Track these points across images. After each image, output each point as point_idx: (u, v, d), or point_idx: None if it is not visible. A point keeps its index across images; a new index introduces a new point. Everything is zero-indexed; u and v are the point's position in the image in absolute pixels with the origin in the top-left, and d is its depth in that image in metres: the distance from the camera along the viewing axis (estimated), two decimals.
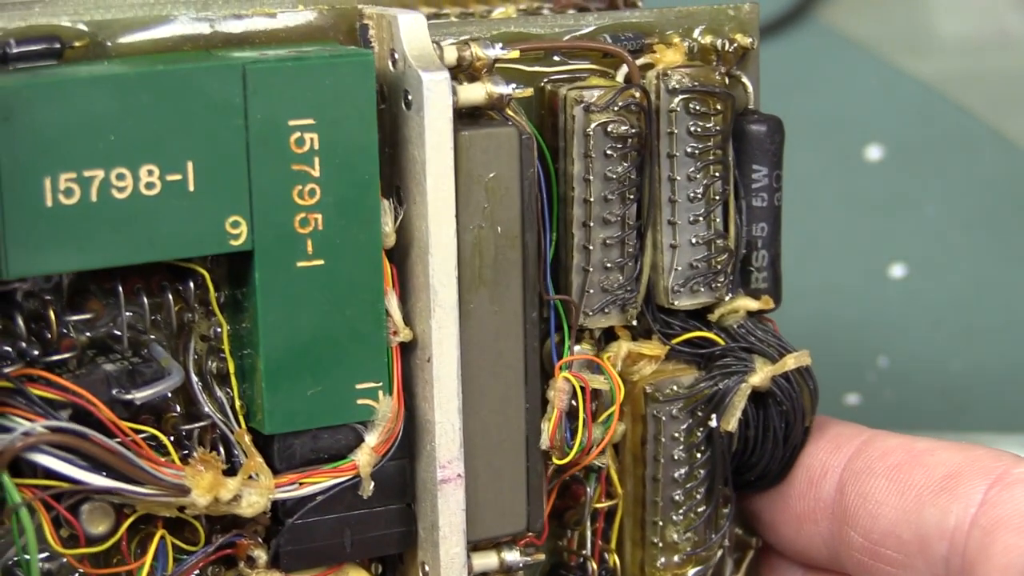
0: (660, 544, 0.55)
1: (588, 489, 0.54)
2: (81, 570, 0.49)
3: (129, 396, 0.48)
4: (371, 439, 0.50)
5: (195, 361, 0.49)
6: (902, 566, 0.52)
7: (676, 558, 0.55)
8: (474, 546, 0.52)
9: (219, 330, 0.49)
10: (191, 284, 0.49)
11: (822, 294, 0.73)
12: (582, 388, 0.52)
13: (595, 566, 0.55)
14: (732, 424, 0.54)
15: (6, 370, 0.46)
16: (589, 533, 0.55)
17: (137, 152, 0.46)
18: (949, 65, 0.80)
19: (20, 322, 0.47)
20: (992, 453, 0.52)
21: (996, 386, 0.71)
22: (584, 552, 0.55)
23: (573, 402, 0.52)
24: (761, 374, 0.54)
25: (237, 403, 0.50)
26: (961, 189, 0.70)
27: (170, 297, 0.49)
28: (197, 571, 0.50)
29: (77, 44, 0.47)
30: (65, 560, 0.49)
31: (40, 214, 0.45)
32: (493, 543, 0.53)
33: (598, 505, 0.55)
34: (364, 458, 0.50)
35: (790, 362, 0.54)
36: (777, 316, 0.56)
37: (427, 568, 0.51)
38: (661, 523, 0.55)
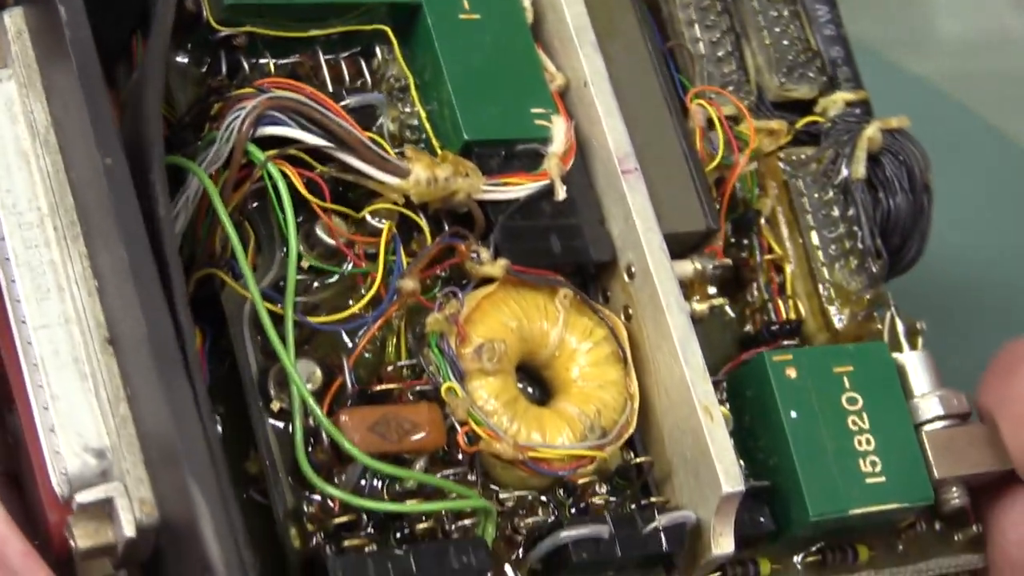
0: (831, 287, 0.60)
1: (754, 247, 0.60)
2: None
3: (345, 101, 0.55)
4: (555, 148, 0.57)
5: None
6: None
7: (849, 301, 0.60)
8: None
9: (407, 85, 0.57)
10: (377, 53, 0.58)
11: None
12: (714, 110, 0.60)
13: (779, 316, 0.60)
14: (861, 170, 0.61)
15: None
16: (766, 293, 0.60)
17: None
18: (949, 65, 0.84)
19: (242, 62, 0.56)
20: None
21: None
22: (766, 304, 0.60)
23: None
24: (873, 127, 0.62)
25: (434, 142, 0.57)
26: (961, 189, 0.72)
27: (362, 65, 0.58)
28: (425, 274, 0.55)
29: None
30: None
31: None
32: (683, 249, 0.58)
33: (767, 257, 0.60)
34: (553, 163, 0.56)
35: (894, 121, 0.62)
36: None
37: (634, 267, 0.56)
38: (827, 271, 0.60)
